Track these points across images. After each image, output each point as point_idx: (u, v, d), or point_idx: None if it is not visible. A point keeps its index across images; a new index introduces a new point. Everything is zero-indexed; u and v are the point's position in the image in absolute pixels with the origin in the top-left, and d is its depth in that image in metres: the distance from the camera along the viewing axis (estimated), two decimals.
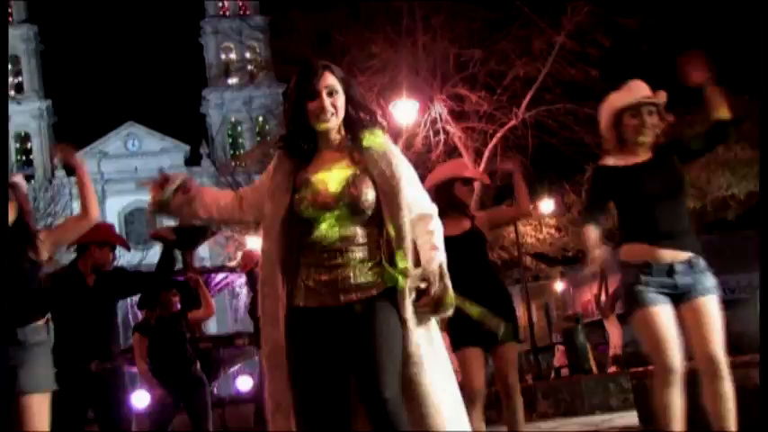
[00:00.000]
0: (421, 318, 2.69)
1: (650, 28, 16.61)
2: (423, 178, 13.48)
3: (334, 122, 2.74)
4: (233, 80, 53.81)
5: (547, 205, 21.15)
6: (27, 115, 55.55)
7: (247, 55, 46.90)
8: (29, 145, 56.12)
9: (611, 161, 3.74)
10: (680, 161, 3.66)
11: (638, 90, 3.70)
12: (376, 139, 2.76)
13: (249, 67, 46.54)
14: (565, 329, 14.20)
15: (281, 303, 2.64)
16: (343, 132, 2.79)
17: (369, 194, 2.68)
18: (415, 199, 2.79)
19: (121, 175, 55.35)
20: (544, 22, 16.67)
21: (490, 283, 4.51)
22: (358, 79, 17.41)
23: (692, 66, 3.60)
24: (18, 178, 4.06)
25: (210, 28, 55.44)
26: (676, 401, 3.39)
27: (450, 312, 2.76)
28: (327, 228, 2.67)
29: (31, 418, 3.63)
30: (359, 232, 2.69)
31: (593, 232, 3.70)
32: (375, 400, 2.48)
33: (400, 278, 2.64)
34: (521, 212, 5.08)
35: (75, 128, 67.83)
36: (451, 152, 17.95)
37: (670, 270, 3.49)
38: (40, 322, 3.80)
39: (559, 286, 35.76)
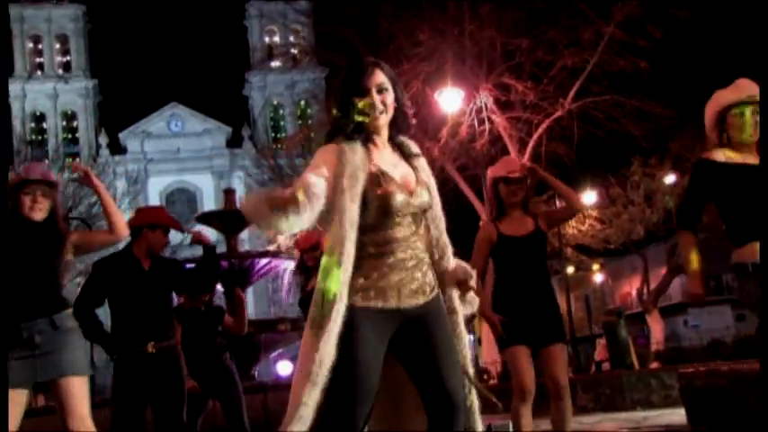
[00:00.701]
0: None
1: (704, 19, 16.30)
2: (466, 167, 13.41)
3: (383, 120, 2.74)
4: (276, 63, 54.02)
5: (589, 197, 21.01)
6: (74, 94, 56.30)
7: (291, 39, 46.86)
8: (75, 123, 56.88)
9: (720, 156, 3.51)
10: None
11: (744, 88, 3.55)
12: (416, 148, 2.82)
13: (292, 50, 46.68)
14: (606, 323, 14.08)
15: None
16: (386, 132, 2.79)
17: (430, 197, 2.77)
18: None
19: (164, 156, 55.91)
20: (593, 11, 16.46)
21: (543, 286, 4.50)
22: (403, 66, 17.38)
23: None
24: (59, 178, 4.16)
25: (255, 11, 55.65)
26: None
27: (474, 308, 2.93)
28: (406, 224, 2.70)
29: (79, 401, 3.71)
30: (420, 232, 2.74)
31: (690, 241, 3.53)
32: (447, 403, 2.55)
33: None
34: (573, 210, 4.96)
35: (120, 107, 68.73)
36: (496, 141, 17.86)
37: None
38: (69, 310, 3.91)
39: (599, 278, 35.52)
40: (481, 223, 4.75)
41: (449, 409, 2.53)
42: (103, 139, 55.51)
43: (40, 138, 52.27)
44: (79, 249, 4.05)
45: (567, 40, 16.91)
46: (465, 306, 2.89)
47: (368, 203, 2.63)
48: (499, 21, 17.25)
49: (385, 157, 2.75)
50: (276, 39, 54.21)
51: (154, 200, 51.79)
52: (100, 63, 59.29)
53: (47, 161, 36.44)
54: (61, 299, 3.88)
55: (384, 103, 2.72)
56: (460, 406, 2.58)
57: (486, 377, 18.32)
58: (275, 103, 55.80)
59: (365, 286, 2.62)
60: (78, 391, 3.73)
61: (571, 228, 21.52)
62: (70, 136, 56.07)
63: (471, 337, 42.67)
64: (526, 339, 4.37)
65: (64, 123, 55.97)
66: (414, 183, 2.73)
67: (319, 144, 2.80)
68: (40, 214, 3.89)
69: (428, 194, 2.74)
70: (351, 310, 2.57)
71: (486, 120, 17.42)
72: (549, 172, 5.14)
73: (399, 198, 2.65)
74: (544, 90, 17.24)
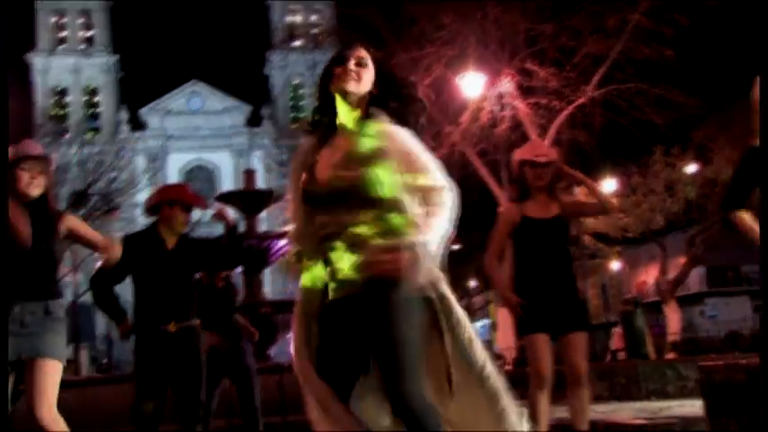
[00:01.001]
0: None
1: (732, 6, 16.09)
2: (486, 152, 13.30)
3: (354, 89, 2.73)
4: (297, 43, 53.94)
5: (609, 185, 20.90)
6: (96, 69, 56.52)
7: (313, 18, 46.92)
8: (96, 99, 57.12)
9: None
10: None
11: None
12: (384, 123, 2.75)
13: (314, 30, 46.58)
14: (623, 312, 14.07)
15: None
16: (359, 112, 2.78)
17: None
18: None
19: (184, 132, 56.12)
20: None
21: (564, 272, 4.50)
22: (426, 50, 17.30)
23: None
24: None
25: None
26: None
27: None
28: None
29: (51, 385, 3.70)
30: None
31: (747, 216, 3.47)
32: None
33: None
34: (605, 212, 4.90)
35: (141, 84, 68.93)
36: (516, 127, 17.78)
37: None
38: (62, 300, 3.95)
39: (616, 266, 35.40)
40: (504, 205, 4.73)
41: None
42: (124, 115, 55.76)
43: (61, 112, 52.55)
44: (70, 235, 4.02)
45: (592, 27, 16.75)
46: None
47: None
48: (523, 6, 17.11)
49: (340, 143, 2.74)
50: (298, 18, 54.16)
51: (173, 177, 52.02)
52: (122, 39, 59.52)
53: (68, 135, 36.67)
54: (56, 286, 3.90)
55: (359, 75, 2.73)
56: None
57: (500, 363, 18.35)
58: (296, 82, 55.79)
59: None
60: (52, 375, 3.72)
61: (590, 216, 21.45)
62: (91, 111, 56.33)
63: (486, 321, 42.73)
64: (546, 326, 4.38)
65: (85, 98, 56.24)
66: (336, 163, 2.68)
67: None
68: (36, 190, 3.89)
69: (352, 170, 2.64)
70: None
71: (507, 105, 17.33)
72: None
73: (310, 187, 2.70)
74: (567, 76, 17.10)
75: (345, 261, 2.59)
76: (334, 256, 2.63)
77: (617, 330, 16.10)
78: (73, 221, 4.03)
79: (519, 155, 4.64)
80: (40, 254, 3.81)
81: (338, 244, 2.60)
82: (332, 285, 2.65)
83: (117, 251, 4.15)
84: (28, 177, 3.85)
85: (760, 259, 3.18)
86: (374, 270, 2.47)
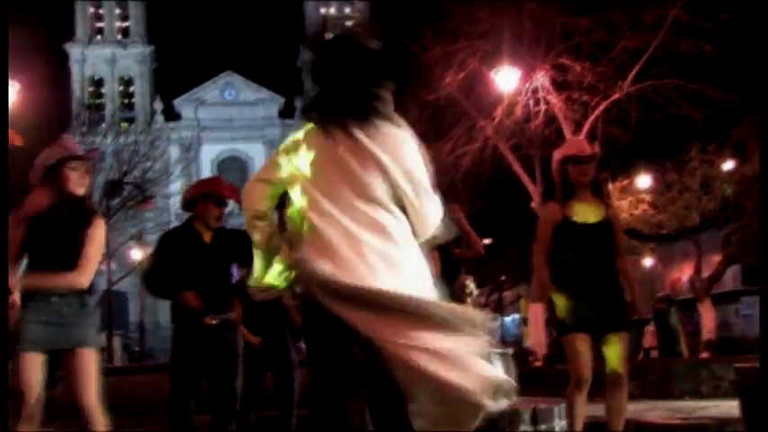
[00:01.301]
0: None
1: None
2: (520, 147, 13.25)
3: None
4: (331, 35, 54.00)
5: (643, 181, 20.66)
6: (131, 60, 57.06)
7: (347, 10, 46.92)
8: (131, 89, 57.67)
9: None
10: None
11: None
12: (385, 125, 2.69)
13: (348, 23, 46.57)
14: (657, 310, 13.93)
15: None
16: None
17: None
18: None
19: (217, 123, 56.51)
20: None
21: (606, 274, 4.40)
22: (461, 44, 17.23)
23: None
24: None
25: None
26: None
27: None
28: None
29: (94, 373, 3.81)
30: None
31: None
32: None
33: None
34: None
35: (175, 74, 69.49)
36: (550, 122, 17.66)
37: None
38: (96, 295, 4.07)
39: (648, 263, 35.02)
40: (546, 204, 4.63)
41: None
42: (158, 106, 56.26)
43: (97, 102, 53.15)
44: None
45: (629, 22, 16.56)
46: None
47: None
48: (559, 1, 16.97)
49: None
50: (332, 10, 54.21)
51: (206, 167, 52.50)
52: (157, 29, 59.96)
53: (103, 125, 37.05)
54: (92, 282, 3.96)
55: None
56: None
57: (531, 359, 18.27)
58: None
59: None
60: (94, 363, 3.84)
61: (624, 212, 21.24)
62: (126, 101, 56.90)
63: (516, 316, 42.54)
64: (587, 326, 4.34)
65: (121, 89, 56.82)
66: None
67: None
68: (82, 190, 3.96)
69: None
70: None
71: (541, 100, 17.22)
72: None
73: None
74: (602, 71, 16.91)
75: None
76: None
77: (650, 328, 15.94)
78: (96, 229, 3.99)
79: (560, 153, 4.54)
80: (76, 249, 3.86)
81: None
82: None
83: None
84: (77, 177, 3.91)
85: (760, 263, 3.14)
86: None
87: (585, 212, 4.42)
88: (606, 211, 4.45)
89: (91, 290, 3.94)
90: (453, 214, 5.38)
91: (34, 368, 3.71)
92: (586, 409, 4.42)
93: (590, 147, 4.65)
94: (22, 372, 3.66)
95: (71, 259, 3.83)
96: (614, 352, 4.36)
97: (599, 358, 4.46)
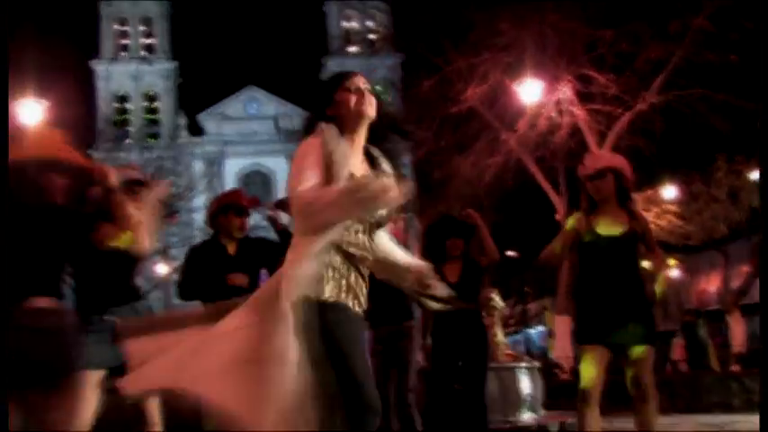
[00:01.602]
0: None
1: None
2: (543, 159, 13.20)
3: (371, 112, 2.79)
4: (353, 49, 54.17)
5: (669, 192, 20.50)
6: (156, 76, 57.51)
7: (369, 24, 47.04)
8: (155, 105, 58.13)
9: None
10: None
11: None
12: (386, 163, 2.86)
13: (370, 36, 46.71)
14: (685, 322, 13.77)
15: None
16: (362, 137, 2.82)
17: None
18: None
19: (241, 138, 56.72)
20: (681, 2, 15.96)
21: (630, 286, 4.37)
22: (483, 56, 17.22)
23: None
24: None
25: None
26: None
27: None
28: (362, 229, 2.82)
29: None
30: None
31: None
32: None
33: None
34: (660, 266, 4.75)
35: (199, 89, 69.89)
36: (574, 134, 17.58)
37: None
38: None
39: (675, 273, 34.69)
40: (574, 215, 4.62)
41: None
42: (182, 121, 56.64)
43: (122, 118, 53.66)
44: None
45: (652, 32, 16.46)
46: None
47: None
48: (582, 11, 16.90)
49: (356, 161, 2.79)
50: (354, 24, 54.35)
51: (230, 181, 52.66)
52: (181, 45, 60.47)
53: (128, 141, 37.43)
54: (138, 288, 4.08)
55: (371, 102, 2.80)
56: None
57: (556, 371, 18.10)
58: None
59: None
60: None
61: (650, 223, 21.08)
62: (151, 117, 57.34)
63: (541, 329, 42.28)
64: (604, 339, 4.30)
65: (145, 104, 57.25)
66: None
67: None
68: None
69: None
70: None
71: (565, 112, 17.15)
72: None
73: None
74: (626, 82, 16.83)
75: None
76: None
77: (678, 340, 15.77)
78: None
79: (579, 172, 4.61)
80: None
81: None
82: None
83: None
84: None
85: (760, 264, 3.11)
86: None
87: (610, 224, 4.41)
88: (631, 222, 4.42)
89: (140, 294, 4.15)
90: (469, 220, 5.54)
91: (92, 384, 3.77)
92: (599, 423, 4.35)
93: (609, 160, 4.62)
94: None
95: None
96: (640, 365, 4.32)
97: (620, 372, 4.42)
